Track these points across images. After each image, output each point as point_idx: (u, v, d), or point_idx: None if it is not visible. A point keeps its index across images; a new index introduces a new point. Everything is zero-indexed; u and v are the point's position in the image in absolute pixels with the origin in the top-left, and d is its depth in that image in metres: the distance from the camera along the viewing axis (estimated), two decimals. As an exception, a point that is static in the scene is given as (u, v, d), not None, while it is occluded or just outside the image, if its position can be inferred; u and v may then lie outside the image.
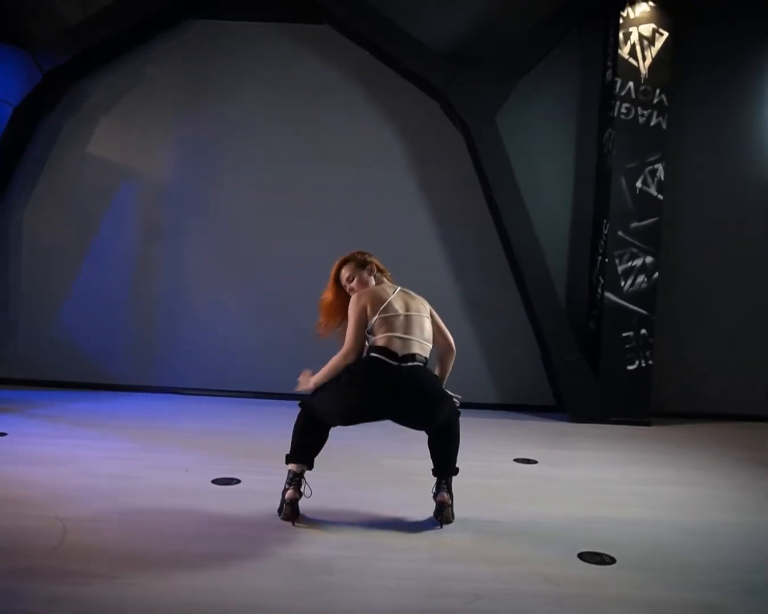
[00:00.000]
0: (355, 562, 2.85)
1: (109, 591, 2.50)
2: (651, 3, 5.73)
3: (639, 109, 5.74)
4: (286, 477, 3.31)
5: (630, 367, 5.83)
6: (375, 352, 3.18)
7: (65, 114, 6.21)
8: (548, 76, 6.05)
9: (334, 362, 3.26)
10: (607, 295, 5.81)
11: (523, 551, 3.06)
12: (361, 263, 3.48)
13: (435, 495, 3.36)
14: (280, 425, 3.87)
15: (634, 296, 5.81)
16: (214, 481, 3.83)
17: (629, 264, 5.81)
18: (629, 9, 5.72)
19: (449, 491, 3.33)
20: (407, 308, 3.28)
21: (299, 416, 3.34)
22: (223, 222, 6.27)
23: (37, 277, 6.31)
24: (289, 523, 3.20)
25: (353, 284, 3.44)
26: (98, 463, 4.09)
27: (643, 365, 5.83)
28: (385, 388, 3.11)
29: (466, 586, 2.67)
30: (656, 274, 5.81)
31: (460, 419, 3.40)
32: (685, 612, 2.59)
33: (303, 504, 3.29)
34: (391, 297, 3.28)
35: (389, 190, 6.21)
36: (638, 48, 5.74)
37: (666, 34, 5.73)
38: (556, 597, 2.64)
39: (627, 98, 5.73)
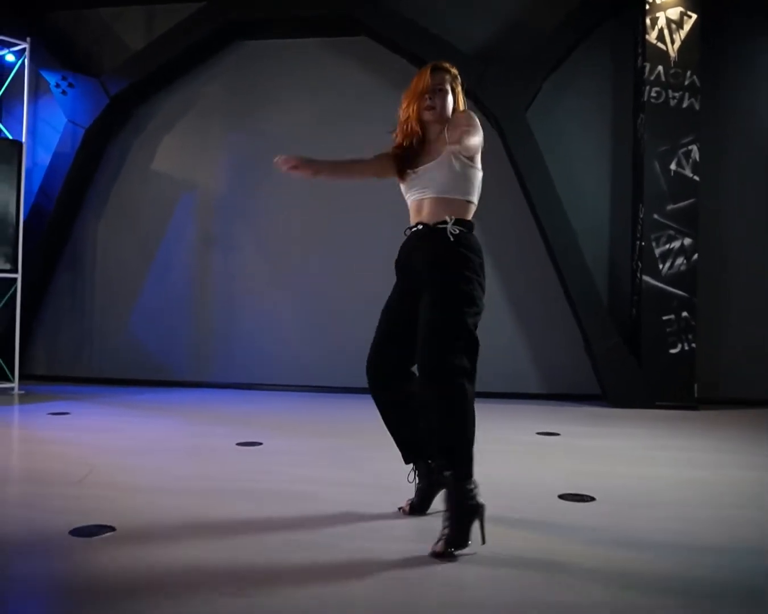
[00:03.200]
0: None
1: (125, 506, 2.82)
2: (678, -13, 5.77)
3: (670, 91, 5.75)
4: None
5: (672, 351, 5.76)
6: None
7: (131, 135, 6.81)
8: (580, 68, 6.15)
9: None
10: (645, 278, 5.79)
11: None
12: (452, 88, 2.73)
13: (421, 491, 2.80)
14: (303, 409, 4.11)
15: (673, 279, 5.76)
16: (239, 443, 4.14)
17: (666, 246, 5.78)
18: (655, -6, 5.79)
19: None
20: None
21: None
22: (272, 230, 6.66)
23: (109, 286, 6.88)
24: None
25: (441, 98, 2.67)
26: (144, 432, 4.47)
27: (686, 348, 5.74)
28: None
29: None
30: (695, 256, 5.74)
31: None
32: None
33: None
34: None
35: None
36: (666, 32, 5.77)
37: (694, 16, 5.74)
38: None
39: (657, 82, 5.75)
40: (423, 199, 2.66)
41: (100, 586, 2.14)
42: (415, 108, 2.67)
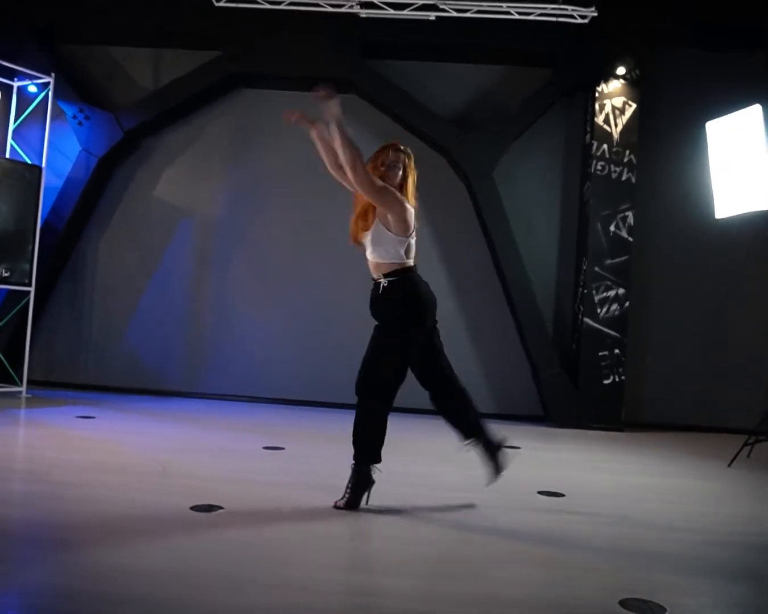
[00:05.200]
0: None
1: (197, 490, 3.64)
2: (622, 80, 6.96)
3: (612, 166, 6.93)
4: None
5: (606, 381, 6.91)
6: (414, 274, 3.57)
7: (137, 164, 7.50)
8: (538, 138, 7.26)
9: (351, 144, 3.41)
10: (586, 320, 6.93)
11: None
12: (404, 166, 3.56)
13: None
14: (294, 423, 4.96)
15: (608, 321, 6.92)
16: (265, 447, 4.97)
17: (604, 294, 6.94)
18: (603, 85, 6.96)
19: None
20: None
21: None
22: (262, 252, 7.48)
23: (108, 299, 7.53)
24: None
25: (393, 173, 3.51)
26: (174, 435, 5.23)
27: (617, 380, 6.91)
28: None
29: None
30: (627, 303, 6.92)
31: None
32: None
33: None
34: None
35: (404, 231, 7.40)
36: (611, 116, 6.95)
37: (634, 105, 6.96)
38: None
39: (602, 157, 6.93)
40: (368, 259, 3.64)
41: (230, 549, 2.98)
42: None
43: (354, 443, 3.57)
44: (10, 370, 6.89)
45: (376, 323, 3.63)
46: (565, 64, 7.07)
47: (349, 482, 3.56)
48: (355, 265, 7.34)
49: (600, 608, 2.56)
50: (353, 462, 3.58)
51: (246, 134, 7.51)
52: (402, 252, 3.54)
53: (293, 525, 3.31)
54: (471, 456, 5.09)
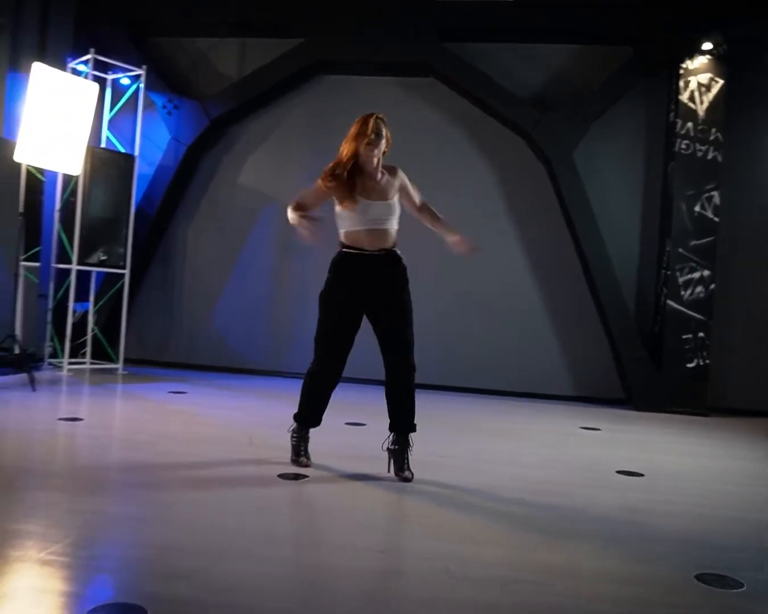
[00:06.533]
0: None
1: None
2: (708, 56, 6.76)
3: (697, 145, 6.76)
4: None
5: (689, 365, 6.77)
6: None
7: (223, 151, 7.78)
8: (618, 117, 7.13)
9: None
10: (669, 302, 6.80)
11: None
12: (386, 135, 3.72)
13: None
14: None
15: (692, 304, 6.77)
16: (347, 423, 5.14)
17: (688, 276, 6.79)
18: (688, 61, 6.78)
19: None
20: None
21: None
22: (345, 239, 7.63)
23: (197, 283, 7.86)
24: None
25: (378, 140, 3.65)
26: (261, 409, 5.45)
27: (701, 364, 6.76)
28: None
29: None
30: (713, 285, 6.75)
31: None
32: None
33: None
34: None
35: (483, 214, 7.41)
36: (696, 94, 6.77)
37: (721, 81, 6.75)
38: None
39: (686, 136, 6.76)
40: (380, 229, 3.64)
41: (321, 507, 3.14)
42: (354, 145, 3.61)
43: (413, 416, 3.70)
44: (108, 349, 7.30)
45: (378, 294, 3.72)
46: (648, 41, 6.92)
47: (408, 455, 3.69)
48: (434, 252, 7.46)
49: (677, 581, 2.59)
50: (410, 435, 3.70)
51: (327, 120, 7.66)
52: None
53: (367, 491, 3.44)
54: (549, 436, 5.17)
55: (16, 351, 6.08)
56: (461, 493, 3.55)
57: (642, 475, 4.10)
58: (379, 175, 3.70)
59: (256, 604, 2.20)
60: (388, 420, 3.75)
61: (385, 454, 3.75)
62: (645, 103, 7.19)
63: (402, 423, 3.70)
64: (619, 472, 4.14)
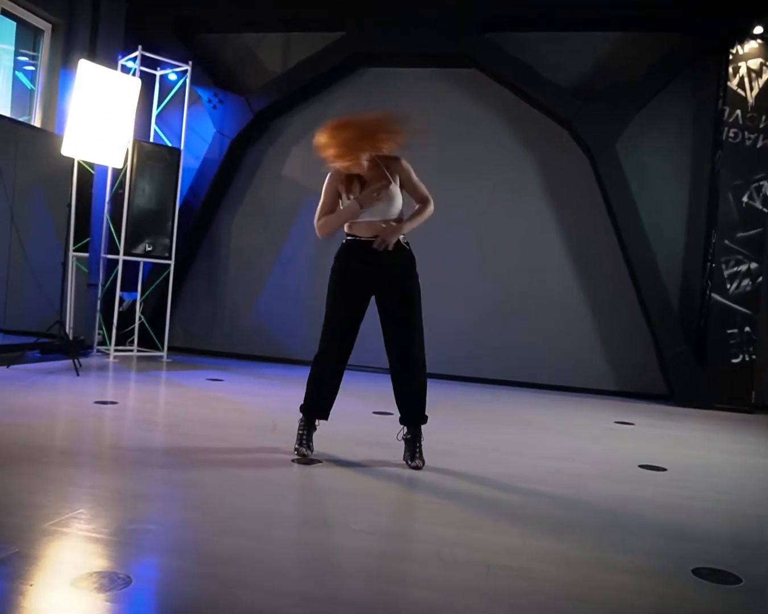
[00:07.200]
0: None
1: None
2: (759, 40, 6.53)
3: (746, 133, 6.53)
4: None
5: (734, 361, 6.57)
6: None
7: (267, 144, 7.91)
8: (662, 106, 6.94)
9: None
10: (714, 295, 6.60)
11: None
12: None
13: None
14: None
15: (739, 297, 6.56)
16: (375, 412, 5.18)
17: (734, 269, 6.58)
18: (738, 46, 6.56)
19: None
20: None
21: None
22: (385, 231, 7.67)
23: (240, 275, 8.03)
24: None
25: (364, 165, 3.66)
26: (291, 397, 5.55)
27: (747, 359, 6.55)
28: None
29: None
30: (760, 278, 6.53)
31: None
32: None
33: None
34: None
35: (524, 205, 7.35)
36: (746, 80, 6.54)
37: (773, 67, 6.51)
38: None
39: (735, 124, 6.54)
40: (378, 219, 3.63)
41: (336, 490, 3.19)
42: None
43: (424, 409, 3.73)
44: (154, 337, 7.53)
45: (385, 287, 3.72)
46: (696, 26, 6.72)
47: (419, 444, 3.72)
48: (476, 242, 7.43)
49: (672, 575, 2.54)
50: (421, 426, 3.75)
51: (368, 112, 7.70)
52: None
53: (375, 477, 3.47)
54: (578, 429, 5.09)
55: (63, 337, 6.34)
56: (468, 481, 3.55)
57: (665, 470, 4.01)
58: (372, 171, 3.71)
59: (248, 580, 2.27)
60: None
61: (402, 443, 3.78)
62: (691, 90, 6.99)
63: (407, 416, 3.75)
64: (641, 466, 4.06)
